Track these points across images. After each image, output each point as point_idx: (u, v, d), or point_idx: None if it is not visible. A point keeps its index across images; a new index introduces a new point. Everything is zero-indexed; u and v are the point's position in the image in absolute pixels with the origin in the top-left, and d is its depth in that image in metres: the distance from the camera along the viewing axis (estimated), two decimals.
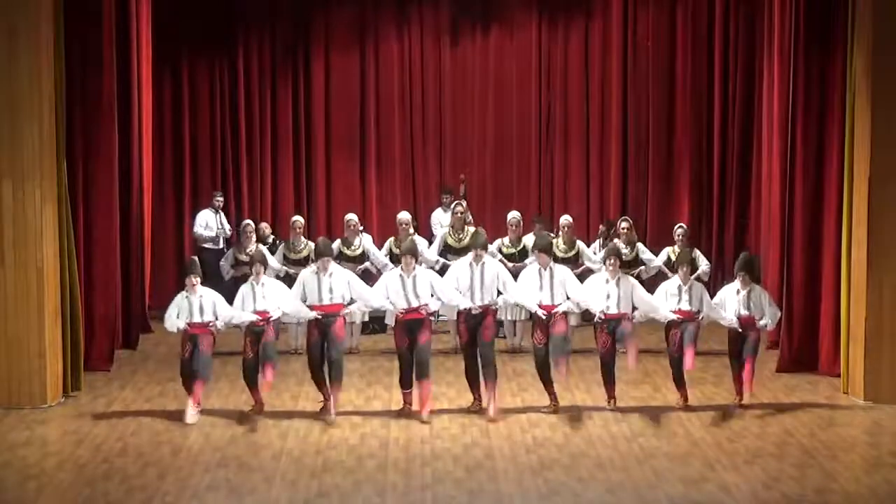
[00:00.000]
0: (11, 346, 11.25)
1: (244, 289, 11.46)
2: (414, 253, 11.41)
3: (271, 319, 11.29)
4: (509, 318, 13.83)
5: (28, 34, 11.10)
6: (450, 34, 16.85)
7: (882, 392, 11.49)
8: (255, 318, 11.25)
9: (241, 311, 11.30)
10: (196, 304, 11.20)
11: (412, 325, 11.15)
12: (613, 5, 16.64)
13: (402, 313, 11.16)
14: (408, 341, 11.17)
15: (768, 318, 11.44)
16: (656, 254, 13.95)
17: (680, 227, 14.01)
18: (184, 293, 11.31)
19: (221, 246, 15.58)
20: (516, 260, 13.70)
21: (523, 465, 9.66)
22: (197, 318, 11.17)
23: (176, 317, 11.22)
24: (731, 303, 11.44)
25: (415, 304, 11.13)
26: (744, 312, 11.35)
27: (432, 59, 16.90)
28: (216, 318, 11.24)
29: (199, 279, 11.34)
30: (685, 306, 11.39)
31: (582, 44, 16.79)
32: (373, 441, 10.33)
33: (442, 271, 13.77)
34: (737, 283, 11.46)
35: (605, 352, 11.33)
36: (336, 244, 13.85)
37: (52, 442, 10.38)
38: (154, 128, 15.60)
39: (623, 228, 13.89)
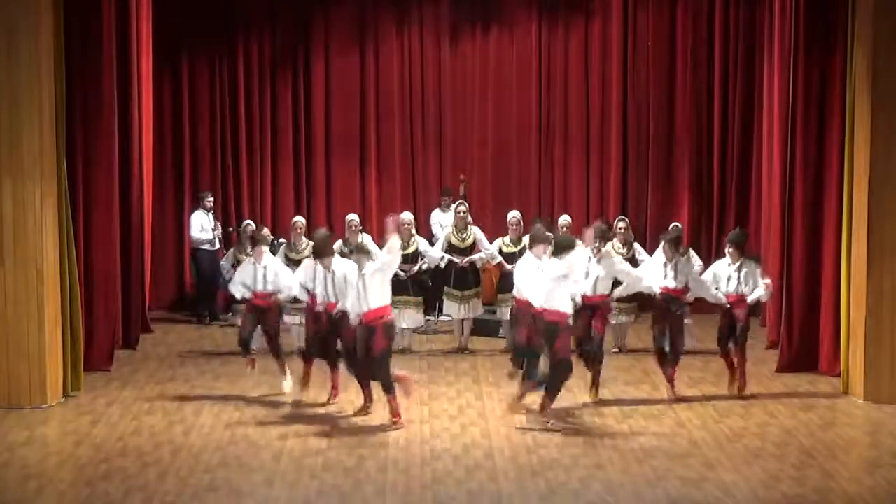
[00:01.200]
0: (11, 346, 11.25)
1: (314, 272, 11.60)
2: (363, 251, 11.17)
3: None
4: (508, 318, 13.85)
5: (28, 33, 11.09)
6: (450, 34, 16.86)
7: (882, 392, 11.49)
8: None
9: (301, 289, 11.63)
10: (260, 274, 11.85)
11: (366, 330, 10.80)
12: (613, 5, 16.65)
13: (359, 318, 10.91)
14: (364, 349, 10.81)
15: (760, 291, 11.58)
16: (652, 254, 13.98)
17: (675, 225, 14.04)
18: (250, 260, 12.04)
19: (218, 247, 15.60)
20: (516, 259, 13.68)
21: (523, 465, 9.66)
22: (260, 287, 11.82)
23: (242, 283, 11.95)
24: (722, 276, 11.68)
25: (365, 307, 10.77)
26: (734, 287, 11.57)
27: (432, 59, 16.91)
28: (279, 291, 11.87)
29: (267, 248, 12.11)
30: (671, 283, 11.55)
31: (582, 44, 16.80)
32: (373, 441, 10.32)
33: (446, 271, 13.87)
34: (727, 258, 11.73)
35: (583, 335, 11.39)
36: (337, 245, 13.86)
37: (52, 442, 10.38)
38: (154, 128, 15.59)
39: (620, 228, 13.90)
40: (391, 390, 10.78)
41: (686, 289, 11.65)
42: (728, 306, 11.63)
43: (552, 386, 10.69)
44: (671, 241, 11.68)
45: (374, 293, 10.79)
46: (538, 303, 10.66)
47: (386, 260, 10.98)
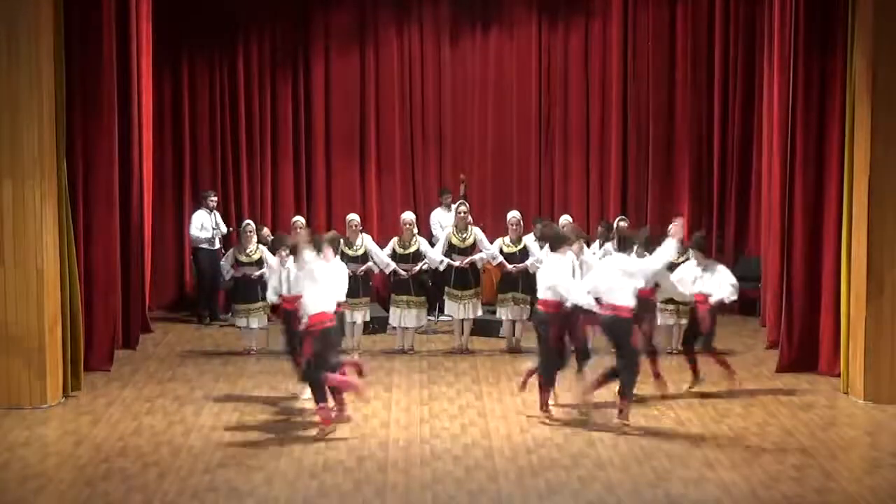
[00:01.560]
0: (11, 346, 11.24)
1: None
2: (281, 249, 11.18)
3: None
4: (509, 317, 13.85)
5: (28, 34, 11.09)
6: (450, 34, 16.86)
7: (882, 392, 11.49)
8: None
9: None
10: (284, 275, 11.88)
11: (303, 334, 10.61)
12: (613, 5, 16.66)
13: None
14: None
15: (723, 292, 11.76)
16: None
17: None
18: (278, 265, 12.08)
19: (217, 246, 15.59)
20: (517, 259, 13.72)
21: (523, 465, 9.66)
22: (285, 290, 11.83)
23: (273, 288, 12.06)
24: (688, 277, 11.92)
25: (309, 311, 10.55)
26: (699, 287, 11.82)
27: (432, 59, 16.91)
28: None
29: (287, 251, 11.77)
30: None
31: (582, 44, 16.80)
32: (373, 441, 10.32)
33: (447, 271, 13.85)
34: (693, 260, 12.08)
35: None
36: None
37: (52, 442, 10.38)
38: (154, 128, 15.60)
39: (621, 227, 13.90)
40: (321, 398, 10.44)
41: (655, 288, 11.79)
42: (694, 304, 11.87)
43: (630, 385, 10.71)
44: (642, 243, 11.71)
45: (309, 299, 10.50)
46: (598, 299, 10.67)
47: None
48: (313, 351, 10.39)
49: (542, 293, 11.03)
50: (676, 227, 11.13)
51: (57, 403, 11.44)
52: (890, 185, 11.38)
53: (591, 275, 11.08)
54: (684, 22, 16.55)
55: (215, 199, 15.83)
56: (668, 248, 10.85)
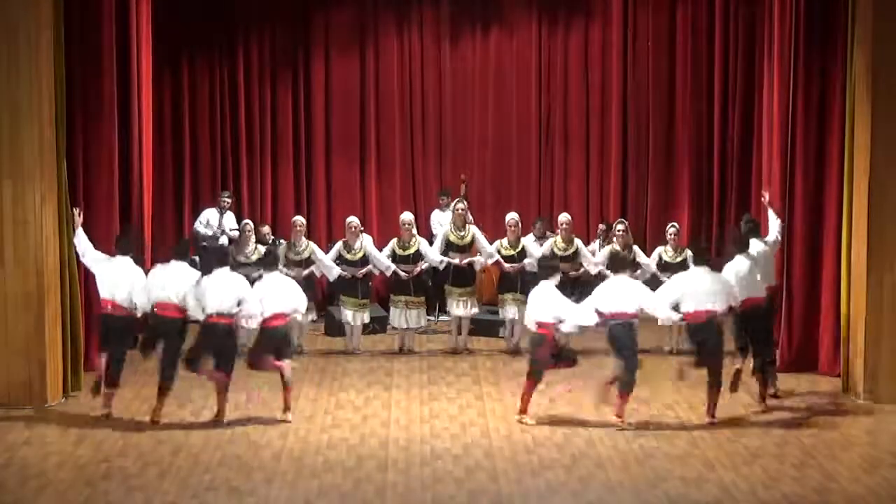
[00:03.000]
0: (11, 346, 11.25)
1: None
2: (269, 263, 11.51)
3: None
4: (508, 317, 13.84)
5: (28, 34, 11.10)
6: (450, 34, 16.85)
7: (882, 392, 11.50)
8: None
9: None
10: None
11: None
12: (613, 5, 16.65)
13: None
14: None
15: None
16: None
17: (672, 226, 14.03)
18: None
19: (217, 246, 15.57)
20: (515, 261, 13.72)
21: (523, 465, 9.66)
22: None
23: None
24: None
25: None
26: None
27: (432, 59, 16.90)
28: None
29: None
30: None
31: (582, 44, 16.80)
32: (373, 441, 10.33)
33: (446, 270, 13.86)
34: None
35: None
36: (338, 246, 13.89)
37: (52, 442, 10.38)
38: (154, 128, 15.57)
39: (619, 231, 13.91)
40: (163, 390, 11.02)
41: None
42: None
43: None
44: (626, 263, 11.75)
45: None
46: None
47: None
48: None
49: (549, 317, 10.88)
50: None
51: (57, 403, 11.45)
52: (890, 186, 11.39)
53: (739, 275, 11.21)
54: (684, 22, 16.54)
55: (228, 200, 15.76)
56: (774, 225, 11.76)
